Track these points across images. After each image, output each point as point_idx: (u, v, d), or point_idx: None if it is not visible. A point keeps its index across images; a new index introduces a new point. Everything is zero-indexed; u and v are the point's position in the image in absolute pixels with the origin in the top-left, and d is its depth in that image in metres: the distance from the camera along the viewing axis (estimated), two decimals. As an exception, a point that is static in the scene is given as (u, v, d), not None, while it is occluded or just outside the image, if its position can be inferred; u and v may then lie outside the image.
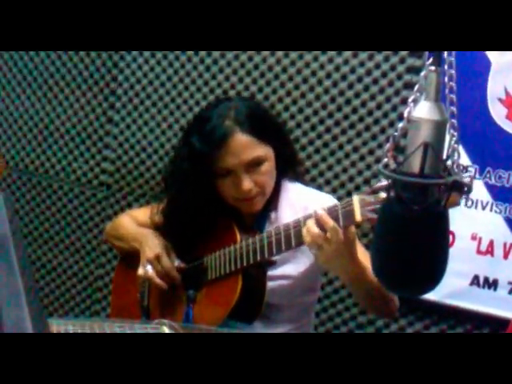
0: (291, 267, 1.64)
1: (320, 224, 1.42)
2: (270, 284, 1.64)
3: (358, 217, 1.39)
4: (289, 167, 1.71)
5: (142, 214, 1.87)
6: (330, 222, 1.40)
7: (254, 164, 1.60)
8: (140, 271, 1.70)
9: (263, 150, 1.60)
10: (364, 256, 1.56)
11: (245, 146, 1.58)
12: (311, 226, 1.42)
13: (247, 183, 1.59)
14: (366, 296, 1.58)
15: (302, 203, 1.66)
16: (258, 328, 1.67)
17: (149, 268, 1.68)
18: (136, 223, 1.84)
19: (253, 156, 1.58)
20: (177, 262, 1.71)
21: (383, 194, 1.35)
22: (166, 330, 1.34)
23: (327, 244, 1.41)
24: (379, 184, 1.41)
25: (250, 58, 2.24)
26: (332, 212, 1.44)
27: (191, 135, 1.65)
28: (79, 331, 1.29)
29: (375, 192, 1.38)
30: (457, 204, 1.04)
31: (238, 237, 1.63)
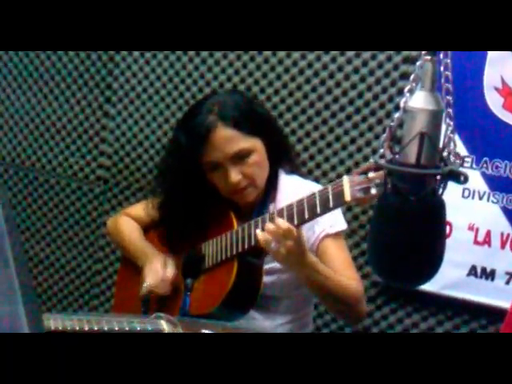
0: None
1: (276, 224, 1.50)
2: (269, 277, 1.65)
3: (348, 197, 1.41)
4: (282, 157, 1.73)
5: (140, 209, 1.89)
6: (284, 224, 1.48)
7: (240, 156, 1.62)
8: (143, 291, 1.72)
9: (249, 143, 1.62)
10: (343, 263, 1.63)
11: (228, 139, 1.61)
12: (268, 225, 1.50)
13: (234, 175, 1.61)
14: (326, 297, 1.62)
15: (299, 196, 1.66)
16: (258, 319, 1.68)
17: (145, 286, 1.72)
18: (138, 228, 1.86)
19: (237, 148, 1.61)
20: (173, 271, 1.72)
21: (372, 174, 1.36)
22: (164, 324, 1.34)
23: (283, 240, 1.48)
24: (368, 164, 1.43)
25: (245, 51, 2.24)
26: (323, 193, 1.46)
27: (178, 131, 1.70)
28: (77, 327, 1.29)
29: (365, 172, 1.39)
30: None
31: (235, 225, 1.64)
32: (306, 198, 1.49)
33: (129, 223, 1.89)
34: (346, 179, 1.42)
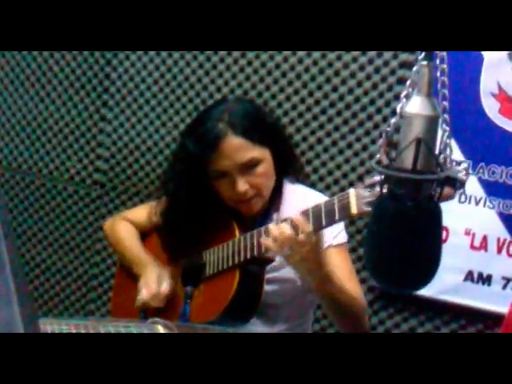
0: (290, 271, 1.64)
1: (295, 227, 1.44)
2: (271, 286, 1.64)
3: (354, 210, 1.39)
4: (288, 167, 1.72)
5: (140, 214, 1.88)
6: (308, 227, 1.43)
7: (249, 166, 1.60)
8: (137, 304, 1.72)
9: (258, 152, 1.60)
10: (347, 275, 1.60)
11: (237, 148, 1.59)
12: (285, 228, 1.45)
13: (242, 185, 1.59)
14: (336, 310, 1.59)
15: (304, 205, 1.65)
16: (257, 326, 1.67)
17: (139, 299, 1.71)
18: (135, 234, 1.85)
19: (246, 158, 1.59)
20: (168, 286, 1.71)
21: (379, 188, 1.35)
22: (161, 329, 1.33)
23: (298, 246, 1.44)
24: (375, 178, 1.42)
25: (243, 54, 2.24)
26: (328, 205, 1.45)
27: (186, 138, 1.67)
28: (73, 331, 1.29)
29: (371, 186, 1.38)
30: (451, 197, 1.04)
31: (238, 234, 1.63)
32: (311, 210, 1.46)
33: (126, 228, 1.88)
34: (352, 192, 1.40)
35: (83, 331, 1.29)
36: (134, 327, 1.33)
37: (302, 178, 1.78)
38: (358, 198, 1.39)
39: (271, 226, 1.48)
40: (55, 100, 2.51)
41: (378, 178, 1.38)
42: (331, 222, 1.45)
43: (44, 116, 2.54)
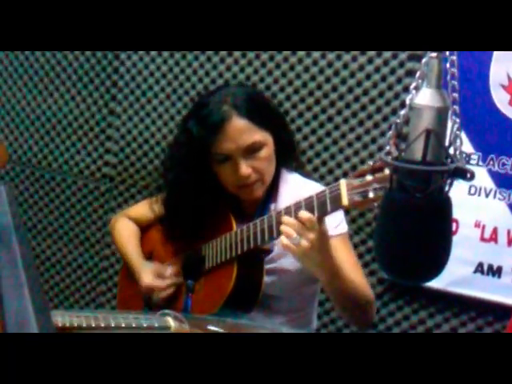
0: (288, 261, 1.63)
1: (297, 217, 1.44)
2: (269, 278, 1.64)
3: (345, 201, 1.38)
4: (288, 154, 1.71)
5: (142, 208, 1.88)
6: (306, 214, 1.42)
7: (252, 149, 1.59)
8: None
9: (261, 135, 1.59)
10: (354, 265, 1.59)
11: (242, 130, 1.57)
12: (288, 219, 1.44)
13: (245, 168, 1.58)
14: (342, 300, 1.58)
15: (301, 196, 1.65)
16: (259, 317, 1.67)
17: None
18: (134, 234, 1.86)
19: (251, 141, 1.58)
20: (170, 271, 1.74)
21: (370, 177, 1.35)
22: (171, 321, 1.34)
23: (305, 234, 1.42)
24: (366, 167, 1.41)
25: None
26: (320, 197, 1.44)
27: (189, 121, 1.65)
28: (84, 324, 1.29)
29: (362, 175, 1.38)
30: None
31: (235, 226, 1.63)
32: (304, 201, 1.46)
33: (125, 228, 1.87)
34: (343, 183, 1.39)
35: (93, 323, 1.30)
36: (144, 319, 1.34)
37: (300, 167, 1.77)
38: (348, 189, 1.38)
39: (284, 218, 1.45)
40: (64, 94, 2.52)
41: (368, 166, 1.38)
42: (324, 213, 1.44)
43: (53, 110, 2.54)
